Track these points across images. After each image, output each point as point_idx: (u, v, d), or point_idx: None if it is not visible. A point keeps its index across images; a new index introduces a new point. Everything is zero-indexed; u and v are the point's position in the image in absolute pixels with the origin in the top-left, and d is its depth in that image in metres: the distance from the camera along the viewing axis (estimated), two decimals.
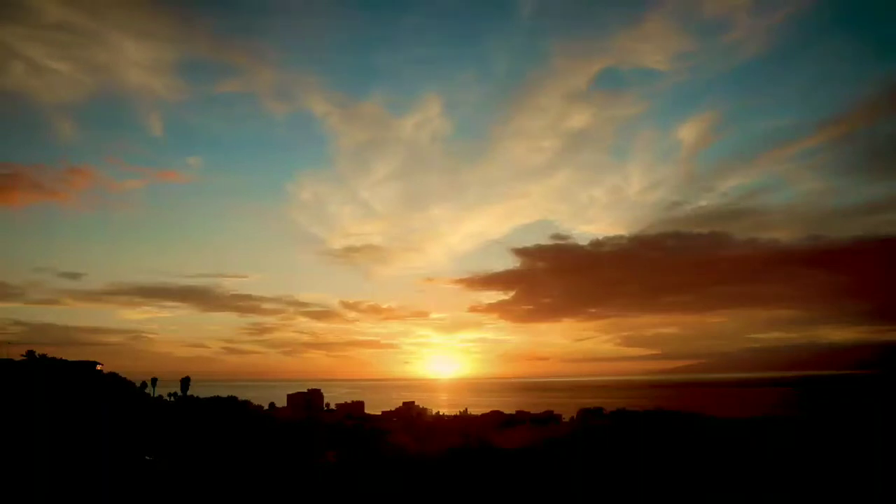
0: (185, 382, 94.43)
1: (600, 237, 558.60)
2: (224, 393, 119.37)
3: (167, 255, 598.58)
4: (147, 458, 59.42)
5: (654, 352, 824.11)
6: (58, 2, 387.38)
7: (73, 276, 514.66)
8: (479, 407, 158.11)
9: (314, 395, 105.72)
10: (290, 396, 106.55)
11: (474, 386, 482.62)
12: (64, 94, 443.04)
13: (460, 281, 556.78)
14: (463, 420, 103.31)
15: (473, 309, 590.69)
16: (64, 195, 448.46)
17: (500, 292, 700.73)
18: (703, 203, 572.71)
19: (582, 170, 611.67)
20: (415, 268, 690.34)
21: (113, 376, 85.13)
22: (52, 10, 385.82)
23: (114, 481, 48.14)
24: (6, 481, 44.77)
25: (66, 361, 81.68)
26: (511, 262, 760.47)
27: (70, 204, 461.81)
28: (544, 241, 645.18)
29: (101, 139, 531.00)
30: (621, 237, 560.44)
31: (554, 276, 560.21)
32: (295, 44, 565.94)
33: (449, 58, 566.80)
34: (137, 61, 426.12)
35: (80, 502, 43.67)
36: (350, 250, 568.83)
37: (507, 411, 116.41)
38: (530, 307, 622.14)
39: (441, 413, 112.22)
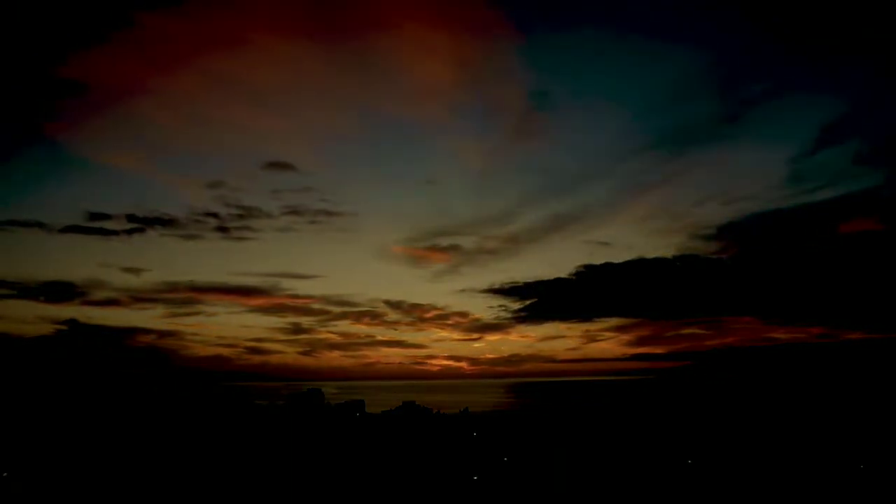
0: (193, 380, 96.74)
1: (650, 255, 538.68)
2: (234, 390, 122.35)
3: (246, 254, 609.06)
4: (148, 453, 61.45)
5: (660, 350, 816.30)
6: None
7: (135, 271, 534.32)
8: (480, 407, 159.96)
9: (314, 395, 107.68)
10: (290, 396, 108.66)
11: (481, 386, 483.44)
12: None
13: (498, 290, 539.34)
14: (461, 419, 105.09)
15: (500, 314, 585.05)
16: None
17: (533, 300, 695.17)
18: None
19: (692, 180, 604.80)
20: (485, 272, 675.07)
21: (116, 375, 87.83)
22: None
23: (106, 478, 50.33)
24: None
25: (74, 360, 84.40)
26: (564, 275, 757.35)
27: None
28: (593, 257, 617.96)
29: None
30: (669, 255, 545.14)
31: (586, 287, 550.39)
32: None
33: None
34: None
35: (68, 497, 45.83)
36: (433, 249, 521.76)
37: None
38: (550, 311, 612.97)
39: (441, 412, 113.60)
